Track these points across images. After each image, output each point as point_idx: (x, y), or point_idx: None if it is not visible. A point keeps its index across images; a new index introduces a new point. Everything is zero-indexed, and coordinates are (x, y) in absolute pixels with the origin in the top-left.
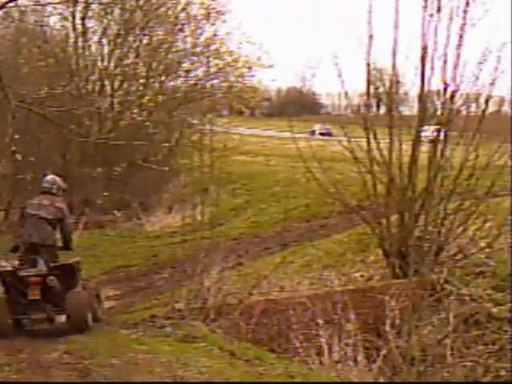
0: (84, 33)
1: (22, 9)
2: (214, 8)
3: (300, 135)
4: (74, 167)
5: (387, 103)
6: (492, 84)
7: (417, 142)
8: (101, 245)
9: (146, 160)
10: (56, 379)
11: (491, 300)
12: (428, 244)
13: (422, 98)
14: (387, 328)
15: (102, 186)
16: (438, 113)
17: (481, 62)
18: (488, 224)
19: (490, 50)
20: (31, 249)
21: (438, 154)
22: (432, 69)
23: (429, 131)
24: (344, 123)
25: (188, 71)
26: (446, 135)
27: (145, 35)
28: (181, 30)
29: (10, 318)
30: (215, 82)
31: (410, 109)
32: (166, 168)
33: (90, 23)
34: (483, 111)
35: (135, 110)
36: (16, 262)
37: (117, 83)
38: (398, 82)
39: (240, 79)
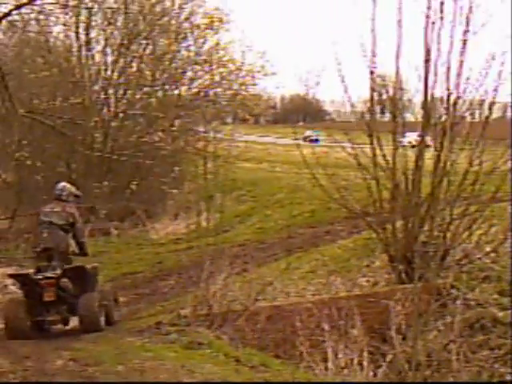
0: (87, 42)
1: (25, 18)
2: (217, 17)
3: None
4: (79, 176)
5: (391, 110)
6: (495, 90)
7: (421, 147)
8: (106, 252)
9: (151, 168)
10: None
11: (497, 305)
12: (433, 249)
13: (426, 104)
14: (393, 333)
15: (107, 193)
16: (442, 119)
17: (484, 69)
18: (493, 229)
19: (494, 57)
20: (46, 254)
21: (443, 159)
22: (435, 75)
23: (410, 137)
24: (348, 130)
25: (192, 79)
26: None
27: (148, 44)
28: (184, 38)
29: (28, 319)
30: (219, 90)
31: (415, 115)
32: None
33: (93, 33)
34: (487, 117)
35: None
36: (31, 270)
37: (121, 92)
38: (401, 89)
39: (243, 87)
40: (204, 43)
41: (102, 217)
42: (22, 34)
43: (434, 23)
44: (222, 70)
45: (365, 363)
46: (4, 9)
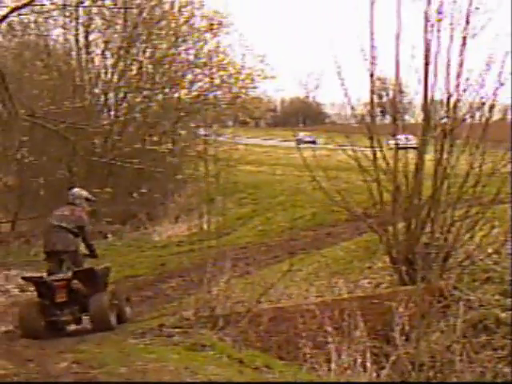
0: (87, 46)
1: (25, 21)
2: (216, 20)
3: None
4: (80, 179)
5: (391, 112)
6: (495, 92)
7: (422, 149)
8: (108, 255)
9: (153, 172)
10: None
11: (499, 305)
12: (435, 251)
13: (426, 106)
14: (396, 334)
15: (108, 196)
16: (443, 121)
17: (484, 70)
18: (495, 230)
19: (493, 59)
20: (57, 257)
21: (444, 161)
22: (435, 77)
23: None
24: (349, 132)
25: (191, 83)
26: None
27: (148, 47)
28: (184, 41)
29: (42, 319)
30: (219, 93)
31: (415, 117)
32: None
33: (92, 36)
34: (487, 119)
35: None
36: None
37: (121, 95)
38: (401, 92)
39: (244, 90)
40: (203, 46)
41: (103, 220)
42: (22, 36)
43: (433, 25)
44: (221, 73)
45: (368, 364)
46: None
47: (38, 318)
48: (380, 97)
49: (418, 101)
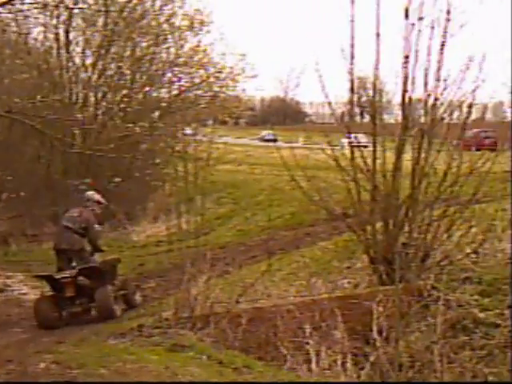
0: (67, 44)
1: (3, 15)
2: (197, 19)
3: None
4: (58, 178)
5: (370, 112)
6: (474, 92)
7: (400, 149)
8: None
9: (130, 170)
10: None
11: (478, 305)
12: (414, 250)
13: (405, 106)
14: (375, 335)
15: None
16: (421, 120)
17: (463, 70)
18: (473, 230)
19: (472, 59)
20: (63, 254)
21: (422, 161)
22: (414, 77)
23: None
24: (328, 131)
25: (172, 82)
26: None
27: (128, 46)
28: (164, 40)
29: (55, 312)
30: (199, 92)
31: (395, 116)
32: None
33: (72, 34)
34: (465, 118)
35: (118, 121)
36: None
37: (100, 94)
38: (380, 91)
39: (224, 89)
40: (184, 45)
41: None
42: (1, 35)
43: (413, 24)
44: (201, 72)
45: (348, 364)
46: None
47: (51, 310)
48: (359, 96)
49: (397, 100)
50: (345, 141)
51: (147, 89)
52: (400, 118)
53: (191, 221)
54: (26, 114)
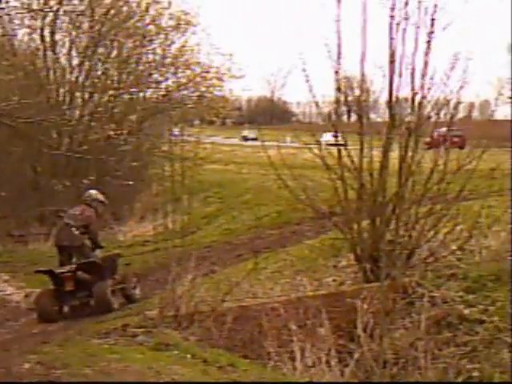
0: (53, 45)
1: None
2: (183, 19)
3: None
4: (44, 179)
5: (357, 110)
6: (460, 90)
7: (387, 147)
8: None
9: (117, 170)
10: None
11: (463, 302)
12: (399, 248)
13: (391, 105)
14: (360, 332)
15: (73, 196)
16: (408, 119)
17: (449, 69)
18: (459, 227)
19: (458, 57)
20: (64, 250)
21: (409, 159)
22: (400, 76)
23: (327, 137)
24: (315, 131)
25: (158, 82)
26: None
27: (114, 47)
28: (150, 41)
29: (56, 305)
30: (185, 92)
31: (381, 115)
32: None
33: (58, 35)
34: (452, 117)
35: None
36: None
37: (86, 95)
38: (367, 90)
39: (211, 89)
40: (170, 45)
41: None
42: None
43: (398, 24)
44: (188, 72)
45: (332, 362)
46: None
47: (52, 304)
48: (346, 95)
49: (384, 99)
50: (322, 139)
51: (134, 89)
52: (387, 117)
53: (178, 220)
54: (11, 115)
